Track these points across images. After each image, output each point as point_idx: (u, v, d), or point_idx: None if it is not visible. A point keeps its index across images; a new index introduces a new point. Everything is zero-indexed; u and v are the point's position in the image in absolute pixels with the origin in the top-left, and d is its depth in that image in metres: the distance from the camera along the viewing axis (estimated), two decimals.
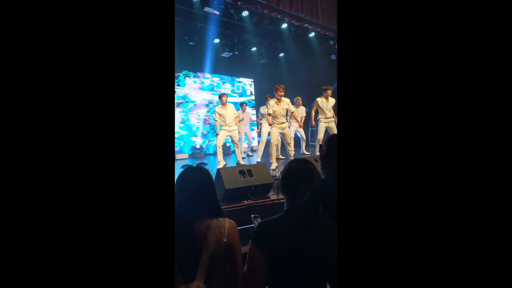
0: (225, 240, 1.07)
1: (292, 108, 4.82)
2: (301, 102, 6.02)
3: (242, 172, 2.86)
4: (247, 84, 9.49)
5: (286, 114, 4.85)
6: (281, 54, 8.73)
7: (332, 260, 1.05)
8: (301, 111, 5.91)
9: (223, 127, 4.86)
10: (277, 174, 3.32)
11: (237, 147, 4.94)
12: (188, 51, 7.14)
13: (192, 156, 7.57)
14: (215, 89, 8.56)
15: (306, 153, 5.80)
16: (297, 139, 5.87)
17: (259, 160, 5.06)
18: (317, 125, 5.26)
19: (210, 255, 1.05)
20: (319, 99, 5.09)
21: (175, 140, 7.38)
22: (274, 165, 4.39)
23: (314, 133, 7.13)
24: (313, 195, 1.09)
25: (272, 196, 2.91)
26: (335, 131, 5.08)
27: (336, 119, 5.14)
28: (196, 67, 8.08)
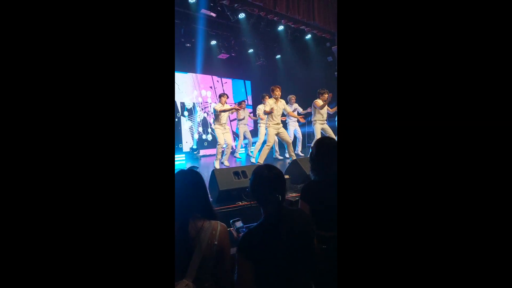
0: (216, 242, 1.09)
1: (288, 108, 4.94)
2: (294, 100, 6.04)
3: (236, 174, 2.88)
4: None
5: (283, 115, 4.90)
6: (278, 56, 8.76)
7: (312, 258, 1.07)
8: (296, 109, 5.92)
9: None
10: None
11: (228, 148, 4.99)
12: (185, 52, 7.16)
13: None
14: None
15: (301, 154, 5.82)
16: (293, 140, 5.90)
17: (260, 161, 5.08)
18: (313, 126, 5.32)
19: (201, 256, 1.06)
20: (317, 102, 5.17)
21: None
22: None
23: (310, 134, 7.15)
24: (283, 202, 1.11)
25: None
26: (330, 133, 5.13)
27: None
28: (193, 69, 8.11)
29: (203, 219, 1.11)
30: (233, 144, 6.63)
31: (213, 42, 7.44)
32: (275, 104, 4.67)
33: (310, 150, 1.51)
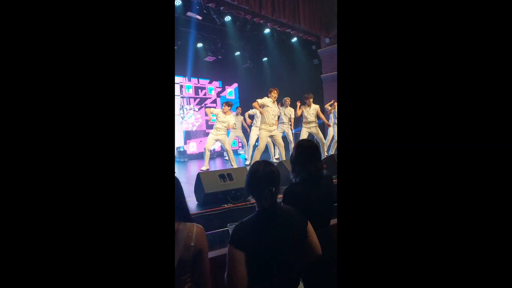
0: (193, 244, 1.10)
1: (279, 111, 4.98)
2: (289, 102, 6.09)
3: (222, 176, 2.88)
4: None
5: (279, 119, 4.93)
6: (265, 59, 8.82)
7: (301, 255, 1.09)
8: (290, 112, 5.95)
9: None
10: None
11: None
12: None
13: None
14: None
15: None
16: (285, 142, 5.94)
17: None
18: (300, 130, 5.41)
19: (178, 258, 1.07)
20: (302, 107, 5.26)
21: None
22: None
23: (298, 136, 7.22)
24: (276, 195, 1.14)
25: (252, 199, 2.94)
26: (320, 135, 5.22)
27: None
28: (180, 71, 8.08)
29: (178, 221, 1.12)
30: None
31: (200, 45, 7.43)
32: (272, 104, 4.65)
33: (290, 153, 1.54)
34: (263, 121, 4.70)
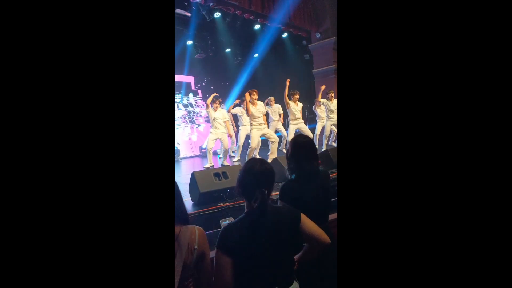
0: (196, 247, 1.07)
1: (265, 110, 4.97)
2: (274, 101, 6.08)
3: (217, 175, 2.86)
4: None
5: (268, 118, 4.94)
6: (256, 55, 8.78)
7: (292, 251, 1.07)
8: (277, 109, 5.95)
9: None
10: None
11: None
12: None
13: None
14: None
15: (284, 151, 5.88)
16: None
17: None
18: (287, 127, 5.44)
19: (182, 262, 1.04)
20: (290, 103, 5.28)
21: None
22: None
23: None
24: (268, 197, 1.11)
25: (242, 199, 2.93)
26: (307, 132, 5.25)
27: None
28: None
29: (179, 225, 1.09)
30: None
31: (189, 42, 7.33)
32: (253, 108, 4.65)
33: (286, 150, 1.52)
34: (252, 121, 4.70)
